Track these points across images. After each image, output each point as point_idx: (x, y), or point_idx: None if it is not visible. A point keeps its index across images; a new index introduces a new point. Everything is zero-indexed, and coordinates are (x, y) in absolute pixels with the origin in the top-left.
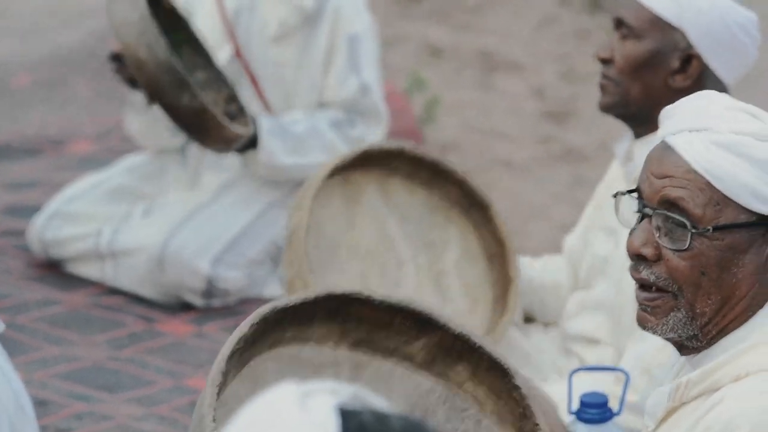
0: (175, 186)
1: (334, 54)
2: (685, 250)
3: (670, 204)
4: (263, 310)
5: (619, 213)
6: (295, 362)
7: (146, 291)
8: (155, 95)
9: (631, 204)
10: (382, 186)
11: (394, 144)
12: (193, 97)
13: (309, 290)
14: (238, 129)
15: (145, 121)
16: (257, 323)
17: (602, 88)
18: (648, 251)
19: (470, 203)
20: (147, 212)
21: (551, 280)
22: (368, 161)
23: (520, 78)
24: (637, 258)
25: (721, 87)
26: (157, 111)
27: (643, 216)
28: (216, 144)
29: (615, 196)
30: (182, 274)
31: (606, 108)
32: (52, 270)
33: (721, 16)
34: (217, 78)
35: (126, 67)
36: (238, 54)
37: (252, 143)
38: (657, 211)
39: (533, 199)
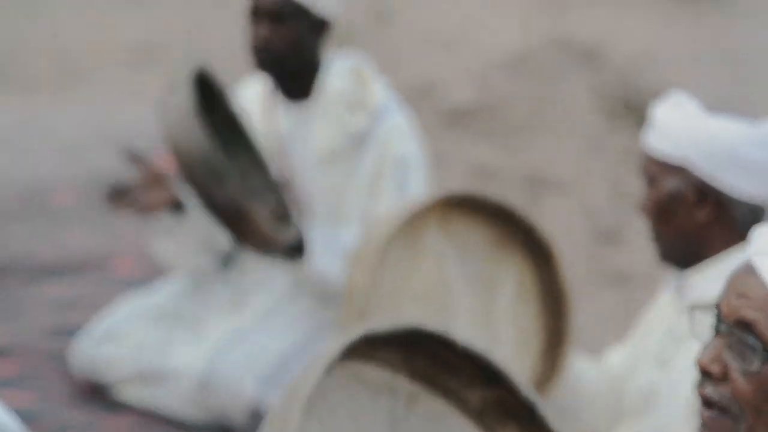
0: (218, 308)
1: (383, 177)
2: (753, 373)
3: (745, 325)
4: (351, 337)
5: (693, 325)
6: (354, 380)
7: (190, 415)
8: (195, 189)
9: (706, 318)
10: (444, 223)
11: (460, 191)
12: (233, 193)
13: (398, 320)
14: (278, 231)
15: (176, 241)
16: (345, 351)
17: (653, 240)
18: (715, 369)
19: (531, 247)
20: (190, 334)
21: (590, 389)
22: (433, 207)
23: (568, 198)
24: (704, 374)
25: (752, 207)
26: (186, 230)
27: (717, 333)
28: (254, 242)
29: (693, 308)
30: (226, 398)
31: (663, 258)
32: (95, 393)
33: (726, 141)
34: (271, 187)
35: (122, 198)
36: (285, 171)
37: (299, 251)
38: (730, 330)
39: (581, 320)
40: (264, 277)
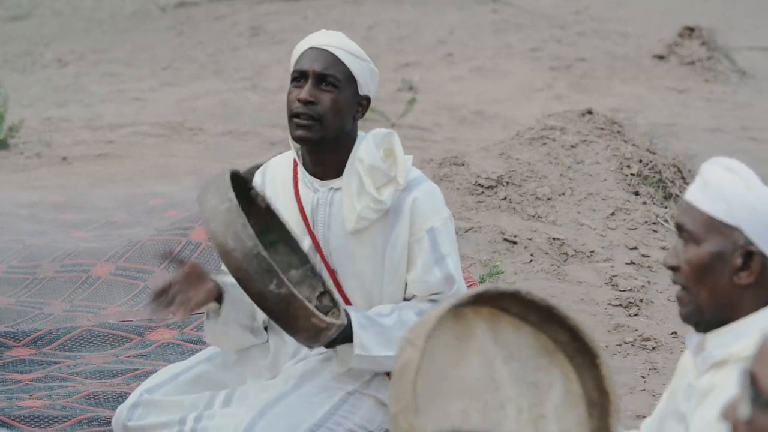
0: (255, 375)
1: (415, 249)
2: None
3: None
4: None
5: (712, 384)
6: None
7: None
8: (243, 283)
9: (728, 375)
10: (493, 324)
11: (509, 287)
12: (281, 284)
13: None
14: (327, 319)
15: (218, 328)
16: None
17: (679, 300)
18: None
19: (577, 348)
20: (228, 401)
21: None
22: (481, 301)
23: (593, 267)
24: None
25: None
26: (228, 318)
27: (753, 404)
28: (305, 333)
29: (712, 367)
30: None
31: (685, 319)
32: None
33: None
34: (312, 274)
35: (164, 301)
36: (317, 247)
37: (341, 338)
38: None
39: None
40: (299, 344)
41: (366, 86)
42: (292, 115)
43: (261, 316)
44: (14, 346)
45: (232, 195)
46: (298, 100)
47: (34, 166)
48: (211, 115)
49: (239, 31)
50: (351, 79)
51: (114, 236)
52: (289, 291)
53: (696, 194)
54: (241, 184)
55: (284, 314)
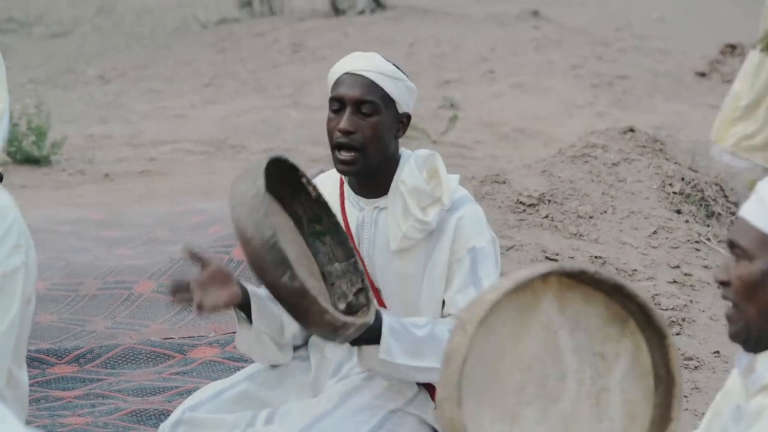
0: (297, 393)
1: (455, 268)
2: None
3: None
4: None
5: (762, 407)
6: None
7: None
8: (258, 272)
9: None
10: (561, 293)
11: (575, 266)
12: (294, 278)
13: None
14: (343, 317)
15: (250, 338)
16: None
17: (728, 318)
18: None
19: (646, 323)
20: (270, 419)
21: None
22: (548, 276)
23: (635, 284)
24: None
25: None
26: (259, 328)
27: None
28: (319, 328)
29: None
30: None
31: (733, 338)
32: None
33: None
34: (354, 269)
35: (181, 295)
36: (363, 264)
37: (368, 338)
38: None
39: None
40: (342, 360)
41: (405, 104)
42: (335, 146)
43: (289, 332)
44: (57, 363)
45: (261, 182)
46: (339, 131)
47: (76, 183)
48: (252, 132)
49: (280, 47)
50: (389, 101)
51: (156, 253)
52: (302, 285)
53: (750, 210)
54: (291, 171)
55: (297, 308)
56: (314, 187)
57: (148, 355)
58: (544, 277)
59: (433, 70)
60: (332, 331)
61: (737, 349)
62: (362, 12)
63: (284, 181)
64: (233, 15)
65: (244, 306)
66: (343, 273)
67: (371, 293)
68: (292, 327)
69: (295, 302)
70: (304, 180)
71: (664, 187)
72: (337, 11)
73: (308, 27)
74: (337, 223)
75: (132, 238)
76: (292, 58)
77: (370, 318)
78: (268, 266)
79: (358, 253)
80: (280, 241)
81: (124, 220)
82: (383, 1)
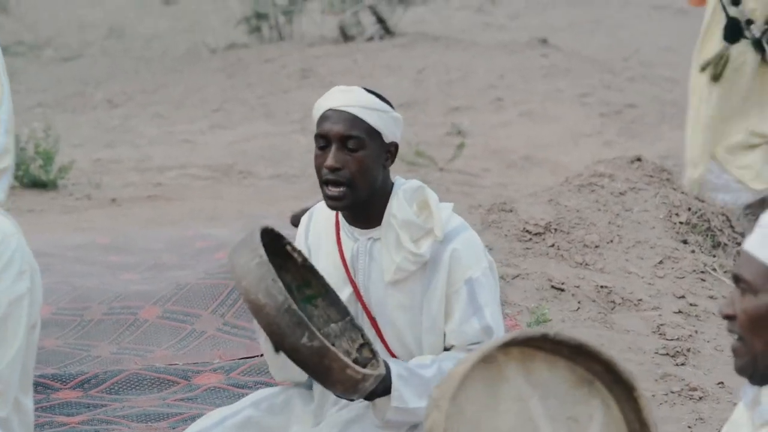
0: (299, 421)
1: (453, 299)
2: None
3: None
4: None
5: None
6: None
7: None
8: (276, 338)
9: None
10: (524, 363)
11: (536, 331)
12: (313, 337)
13: None
14: (362, 370)
15: (277, 360)
16: None
17: (734, 351)
18: None
19: (613, 379)
20: None
21: None
22: (509, 346)
23: (640, 316)
24: None
25: None
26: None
27: None
28: (341, 385)
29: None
30: None
31: (740, 371)
32: None
33: None
34: (352, 326)
35: None
36: (358, 295)
37: (381, 390)
38: None
39: None
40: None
41: (391, 134)
42: (323, 183)
43: None
44: (61, 389)
45: (262, 251)
46: (325, 167)
47: (83, 208)
48: (260, 158)
49: (289, 73)
50: (374, 133)
51: (162, 279)
52: (322, 343)
53: (755, 244)
54: (276, 240)
55: (319, 367)
56: (299, 253)
57: (153, 381)
58: (505, 347)
59: (441, 97)
60: (353, 386)
61: (742, 380)
62: (371, 38)
63: (271, 250)
64: (242, 40)
65: None
66: (342, 332)
67: (374, 346)
68: None
69: (317, 361)
70: (289, 248)
71: (670, 216)
72: (346, 37)
73: (317, 53)
74: (326, 285)
75: (138, 263)
76: (300, 83)
77: (382, 368)
78: (286, 330)
79: (354, 284)
80: (293, 304)
81: (130, 245)
82: (392, 27)
